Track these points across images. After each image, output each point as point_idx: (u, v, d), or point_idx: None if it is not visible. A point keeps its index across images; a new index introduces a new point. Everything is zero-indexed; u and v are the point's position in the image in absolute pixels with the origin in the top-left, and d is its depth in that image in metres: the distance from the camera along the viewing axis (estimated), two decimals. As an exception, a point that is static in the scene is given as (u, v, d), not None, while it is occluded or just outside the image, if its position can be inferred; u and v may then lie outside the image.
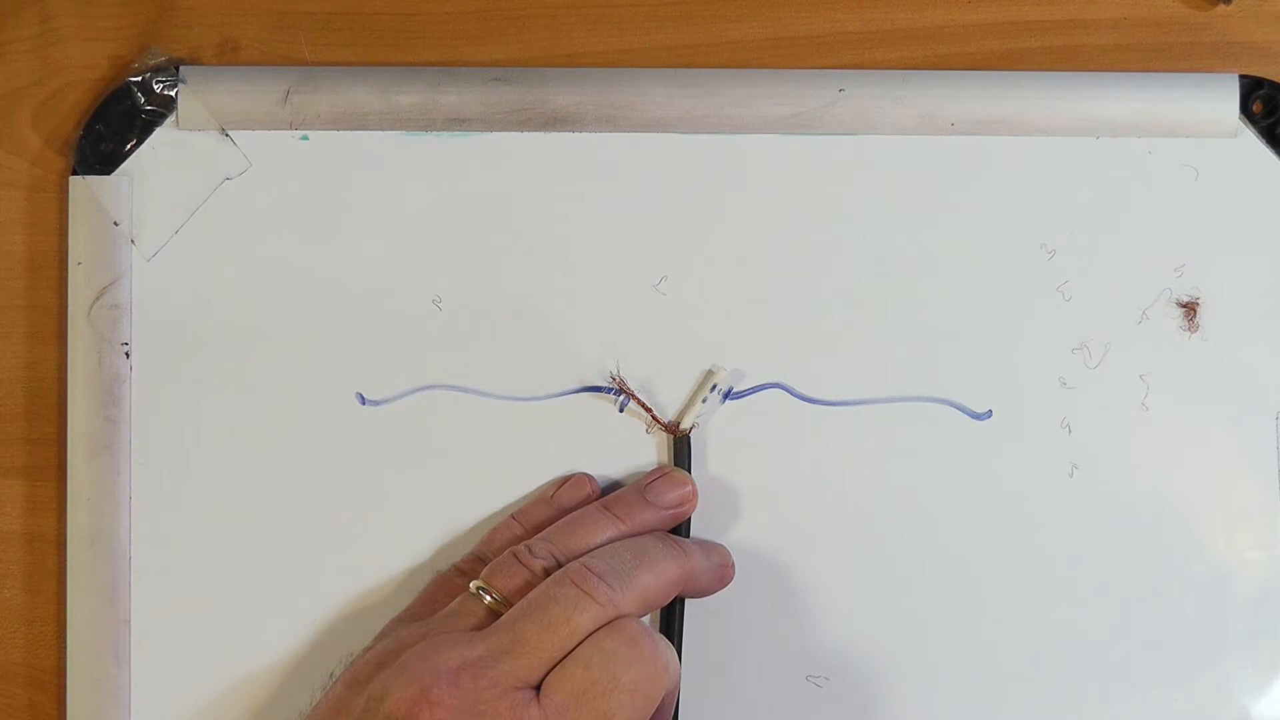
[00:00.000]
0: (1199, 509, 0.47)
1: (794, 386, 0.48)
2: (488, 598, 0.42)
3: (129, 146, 0.48)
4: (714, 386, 0.47)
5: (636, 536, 0.44)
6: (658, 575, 0.42)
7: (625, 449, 0.47)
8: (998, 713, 0.47)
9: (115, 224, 0.48)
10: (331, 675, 0.46)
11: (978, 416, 0.48)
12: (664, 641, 0.41)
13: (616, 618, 0.40)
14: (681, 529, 0.46)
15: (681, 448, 0.47)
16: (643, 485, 0.46)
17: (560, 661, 0.40)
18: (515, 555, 0.43)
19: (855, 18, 0.49)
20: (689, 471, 0.47)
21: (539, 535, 0.44)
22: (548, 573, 0.42)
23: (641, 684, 0.40)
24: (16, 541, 0.48)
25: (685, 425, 0.47)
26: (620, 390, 0.46)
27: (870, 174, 0.48)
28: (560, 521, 0.45)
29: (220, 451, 0.47)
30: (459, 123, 0.48)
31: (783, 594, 0.47)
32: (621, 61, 0.49)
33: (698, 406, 0.47)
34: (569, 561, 0.42)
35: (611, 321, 0.48)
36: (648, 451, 0.47)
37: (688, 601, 0.46)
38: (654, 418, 0.47)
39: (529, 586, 0.42)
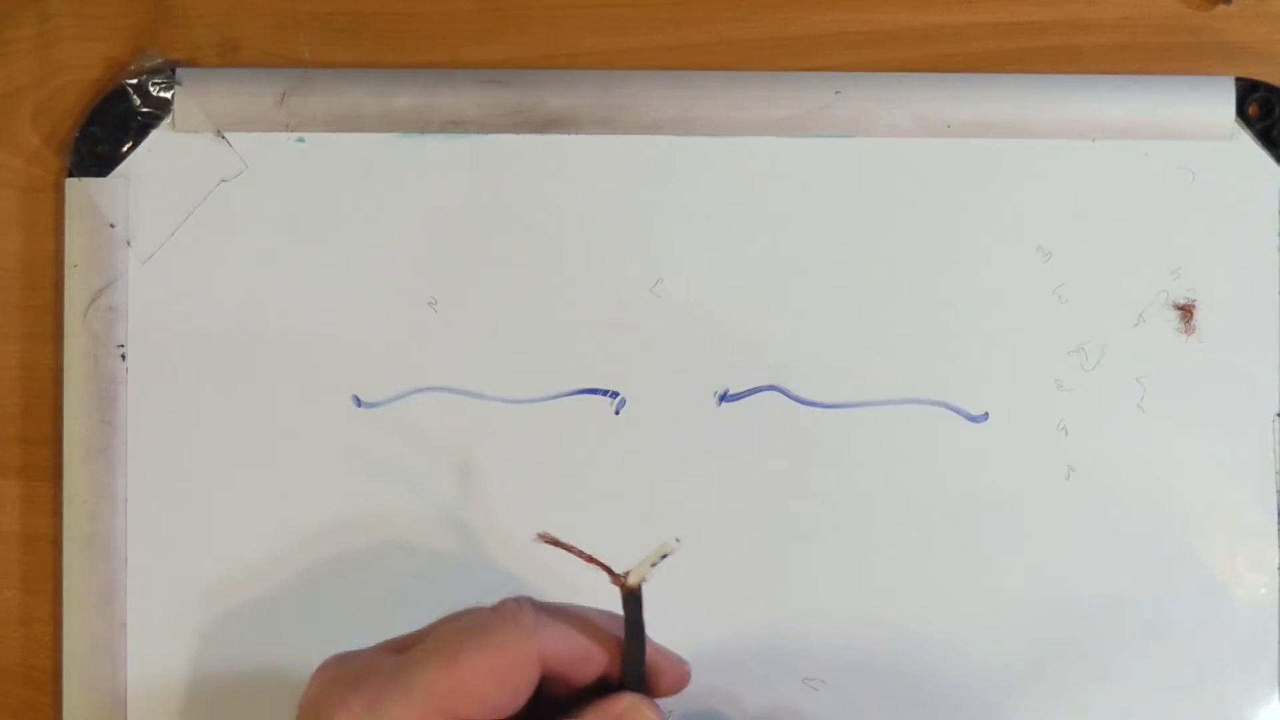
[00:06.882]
0: (1196, 512, 0.47)
1: (790, 389, 0.48)
2: None
3: (125, 148, 0.48)
4: (664, 556, 0.39)
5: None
6: None
7: (620, 450, 0.47)
8: (993, 716, 0.47)
9: (111, 226, 0.48)
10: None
11: (974, 419, 0.48)
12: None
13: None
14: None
15: (631, 604, 0.39)
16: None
17: None
18: None
19: (855, 18, 0.49)
20: (642, 623, 0.39)
21: None
22: None
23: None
24: (13, 541, 0.48)
25: (633, 581, 0.39)
26: (555, 544, 0.39)
27: (866, 176, 0.48)
28: None
29: (216, 454, 0.47)
30: (455, 125, 0.48)
31: (779, 596, 0.47)
32: (620, 62, 0.49)
33: (646, 570, 0.39)
34: None
35: (607, 323, 0.48)
36: (643, 456, 0.47)
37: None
38: (602, 567, 0.39)
39: None
